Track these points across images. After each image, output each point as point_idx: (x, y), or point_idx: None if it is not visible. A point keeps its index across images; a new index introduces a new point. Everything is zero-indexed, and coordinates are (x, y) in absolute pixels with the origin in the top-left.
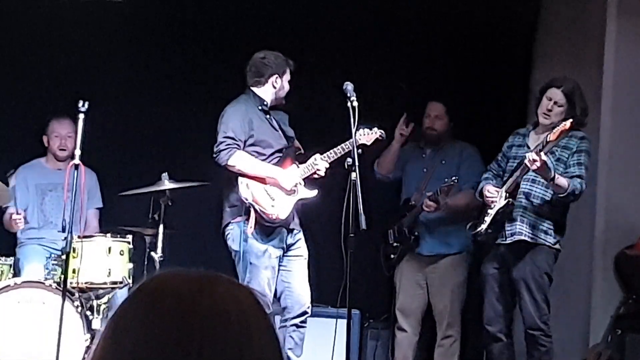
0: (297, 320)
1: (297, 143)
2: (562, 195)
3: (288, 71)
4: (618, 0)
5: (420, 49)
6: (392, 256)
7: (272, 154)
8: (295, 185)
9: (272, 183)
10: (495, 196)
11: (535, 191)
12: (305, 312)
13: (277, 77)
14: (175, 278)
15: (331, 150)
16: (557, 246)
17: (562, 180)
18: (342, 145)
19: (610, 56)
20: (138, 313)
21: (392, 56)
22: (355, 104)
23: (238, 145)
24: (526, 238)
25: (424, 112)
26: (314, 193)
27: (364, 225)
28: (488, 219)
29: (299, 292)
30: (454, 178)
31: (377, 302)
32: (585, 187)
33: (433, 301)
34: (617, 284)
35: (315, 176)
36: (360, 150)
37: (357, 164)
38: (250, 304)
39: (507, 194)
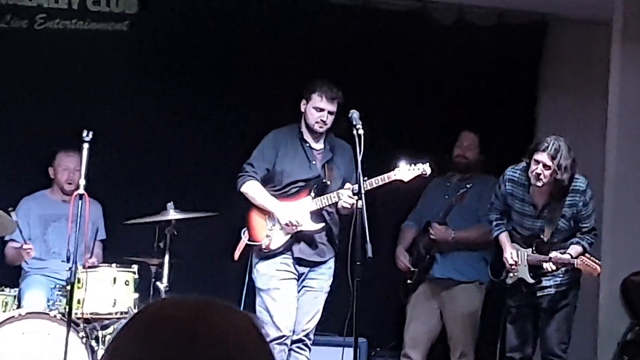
0: (293, 345)
1: (331, 175)
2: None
3: (314, 97)
4: (623, 28)
5: (424, 80)
6: (408, 281)
7: (291, 183)
8: (292, 223)
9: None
10: (516, 266)
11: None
12: (300, 340)
13: (304, 101)
14: (172, 305)
15: (374, 179)
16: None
17: (576, 251)
18: (381, 176)
19: (615, 84)
20: (135, 341)
21: (399, 87)
22: (361, 131)
23: (255, 173)
24: (563, 287)
25: (455, 141)
26: (318, 227)
27: (370, 253)
28: (514, 277)
29: (299, 320)
30: (468, 185)
31: (384, 330)
32: (597, 232)
33: (447, 328)
34: (623, 310)
35: (344, 206)
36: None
37: (363, 191)
38: (248, 329)
39: (532, 274)
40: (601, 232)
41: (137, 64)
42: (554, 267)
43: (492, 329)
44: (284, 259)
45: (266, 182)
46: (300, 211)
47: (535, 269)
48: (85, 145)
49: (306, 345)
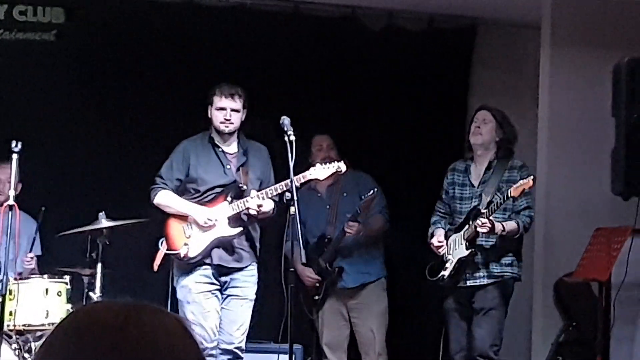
0: (224, 357)
1: (246, 178)
2: (517, 236)
3: (215, 99)
4: (551, 31)
5: (354, 86)
6: (316, 297)
7: (208, 190)
8: (210, 221)
9: (190, 220)
10: (444, 246)
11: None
12: (230, 351)
13: (209, 107)
14: (101, 309)
15: (269, 188)
16: (519, 274)
17: (511, 226)
18: (280, 184)
19: (545, 87)
20: (65, 345)
21: (329, 93)
22: (293, 138)
23: (165, 184)
24: (495, 280)
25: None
26: (236, 231)
27: (304, 260)
28: (450, 266)
29: (227, 330)
30: (372, 191)
31: (319, 336)
32: (533, 213)
33: (358, 332)
34: (557, 311)
35: (252, 212)
36: (298, 184)
37: (295, 198)
38: (179, 332)
39: (467, 243)
40: (533, 234)
41: (65, 73)
42: (484, 221)
43: (406, 324)
44: (204, 271)
45: (183, 193)
46: (217, 215)
47: (471, 242)
48: (15, 156)
49: (237, 357)
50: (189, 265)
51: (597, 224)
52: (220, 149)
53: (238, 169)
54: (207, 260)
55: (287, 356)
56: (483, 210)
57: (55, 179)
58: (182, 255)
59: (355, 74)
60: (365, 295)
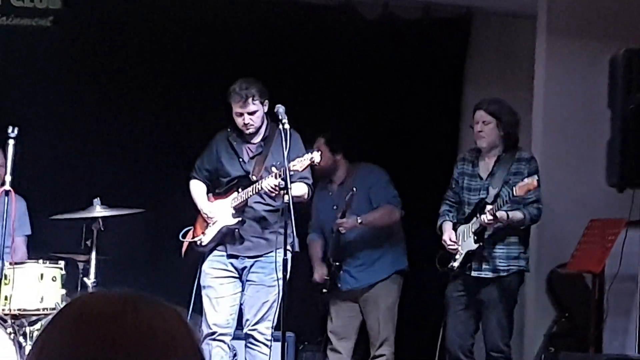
0: (242, 342)
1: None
2: (522, 226)
3: (232, 104)
4: (547, 22)
5: (349, 75)
6: (323, 290)
7: (228, 182)
8: (209, 216)
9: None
10: (456, 247)
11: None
12: (246, 335)
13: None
14: (98, 299)
15: (261, 181)
16: (526, 266)
17: (517, 216)
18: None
19: (540, 77)
20: (62, 335)
21: (325, 82)
22: (287, 126)
23: (197, 174)
24: (503, 273)
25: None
26: (234, 221)
27: (297, 248)
28: (459, 258)
29: (245, 316)
30: (352, 191)
31: (311, 324)
32: (542, 205)
33: (367, 321)
34: (549, 302)
35: (267, 191)
36: (292, 173)
37: (289, 186)
38: (176, 322)
39: (475, 236)
40: None
41: (61, 59)
42: (490, 217)
43: (416, 318)
44: (219, 257)
45: (213, 183)
46: (222, 207)
47: (479, 235)
48: (11, 142)
49: (257, 340)
50: (207, 253)
51: (592, 215)
52: (240, 141)
53: (253, 157)
54: (221, 248)
55: (279, 343)
56: (489, 207)
57: (51, 163)
58: (198, 242)
59: (350, 63)
60: (375, 291)
